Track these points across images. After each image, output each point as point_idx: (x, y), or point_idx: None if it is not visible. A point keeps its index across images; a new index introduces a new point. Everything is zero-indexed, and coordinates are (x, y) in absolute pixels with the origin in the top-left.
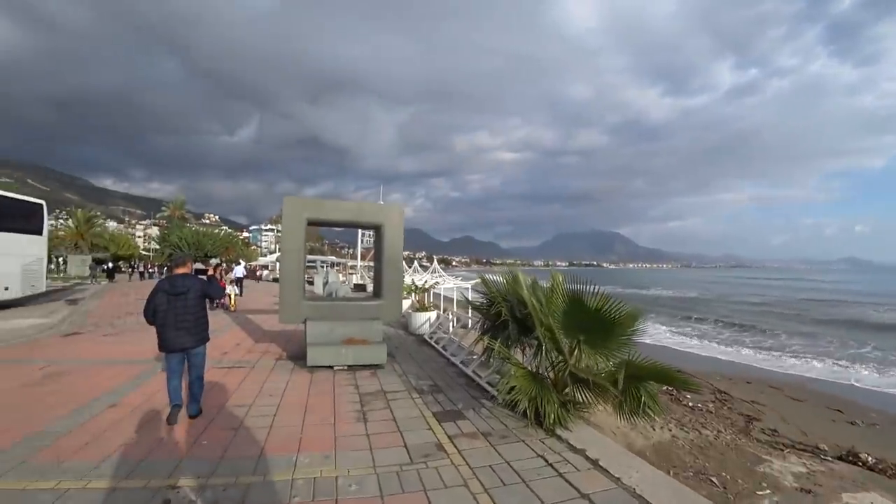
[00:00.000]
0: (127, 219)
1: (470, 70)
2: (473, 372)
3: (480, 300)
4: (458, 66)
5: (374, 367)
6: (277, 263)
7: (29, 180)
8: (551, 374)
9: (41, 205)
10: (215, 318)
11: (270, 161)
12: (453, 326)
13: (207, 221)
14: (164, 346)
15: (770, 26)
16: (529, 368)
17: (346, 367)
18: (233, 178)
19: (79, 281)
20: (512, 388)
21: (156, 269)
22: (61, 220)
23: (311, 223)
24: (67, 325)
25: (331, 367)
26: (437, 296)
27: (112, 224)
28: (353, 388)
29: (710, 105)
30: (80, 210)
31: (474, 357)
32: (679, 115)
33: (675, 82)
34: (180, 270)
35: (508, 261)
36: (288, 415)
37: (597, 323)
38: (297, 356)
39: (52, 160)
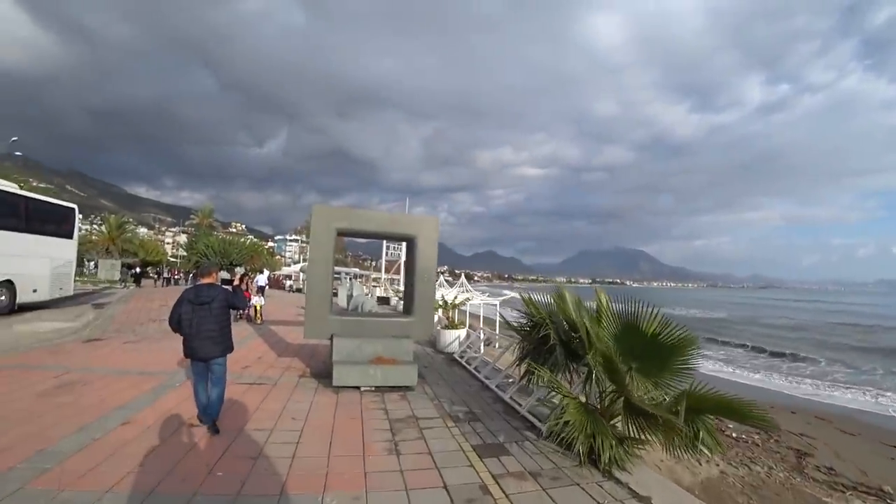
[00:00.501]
0: (157, 225)
1: (495, 85)
2: (511, 398)
3: (520, 320)
4: (483, 81)
5: (404, 389)
6: (301, 273)
7: (68, 186)
8: (597, 404)
9: (73, 209)
10: (237, 329)
11: (297, 173)
12: (483, 346)
13: (234, 230)
14: (188, 354)
15: (803, 41)
16: (579, 398)
17: (373, 388)
18: (260, 188)
19: (108, 285)
20: (565, 423)
21: (181, 275)
22: (95, 226)
23: (341, 233)
24: (90, 330)
25: (357, 387)
26: (461, 311)
27: (143, 230)
28: (383, 412)
29: (739, 122)
30: (112, 216)
31: (510, 381)
32: (706, 132)
33: (702, 98)
34: (206, 280)
35: (530, 276)
36: (312, 442)
37: (652, 349)
38: (322, 374)
39: (89, 168)
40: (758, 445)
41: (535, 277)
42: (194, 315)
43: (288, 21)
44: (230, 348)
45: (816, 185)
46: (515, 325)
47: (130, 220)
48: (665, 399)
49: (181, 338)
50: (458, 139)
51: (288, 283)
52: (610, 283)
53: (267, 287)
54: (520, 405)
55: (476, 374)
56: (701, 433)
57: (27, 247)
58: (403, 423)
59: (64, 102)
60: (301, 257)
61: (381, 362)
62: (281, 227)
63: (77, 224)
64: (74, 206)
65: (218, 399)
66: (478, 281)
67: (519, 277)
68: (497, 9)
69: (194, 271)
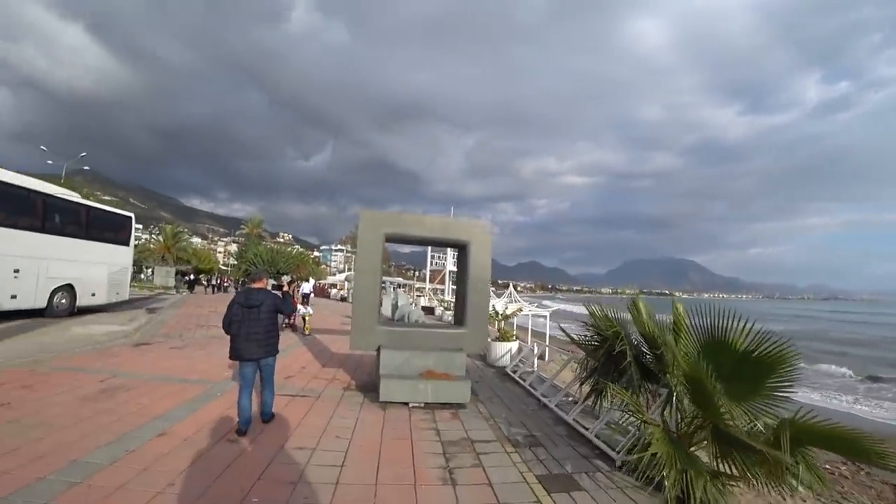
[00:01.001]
0: (210, 235)
1: (538, 94)
2: (575, 421)
3: (584, 334)
4: (525, 90)
5: (456, 406)
6: (347, 282)
7: (131, 199)
8: (677, 432)
9: (130, 217)
10: (282, 338)
11: (341, 184)
12: (536, 360)
13: (281, 240)
14: (235, 354)
15: (862, 34)
16: (663, 426)
17: (422, 405)
18: (306, 200)
19: (162, 290)
20: (651, 455)
21: (231, 283)
22: (153, 236)
23: (389, 239)
24: (140, 334)
25: (406, 403)
26: (509, 323)
27: (196, 240)
28: (434, 432)
29: (796, 122)
30: (168, 226)
31: (570, 400)
32: (760, 134)
33: (755, 99)
34: (256, 285)
35: (574, 287)
36: (358, 466)
37: (744, 369)
38: (367, 387)
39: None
40: (846, 478)
41: (579, 288)
42: (244, 317)
43: (333, 39)
44: (275, 351)
45: (886, 187)
46: (578, 338)
47: (185, 230)
48: (755, 426)
49: (227, 345)
50: (501, 149)
51: (333, 291)
52: (658, 293)
53: (312, 295)
54: (586, 429)
55: (532, 391)
56: (800, 468)
57: (87, 253)
58: (457, 447)
59: (129, 123)
60: (346, 266)
61: (432, 377)
62: (326, 237)
63: (133, 232)
64: (131, 214)
65: (270, 399)
66: (521, 291)
67: (563, 288)
68: (538, 17)
69: (243, 279)
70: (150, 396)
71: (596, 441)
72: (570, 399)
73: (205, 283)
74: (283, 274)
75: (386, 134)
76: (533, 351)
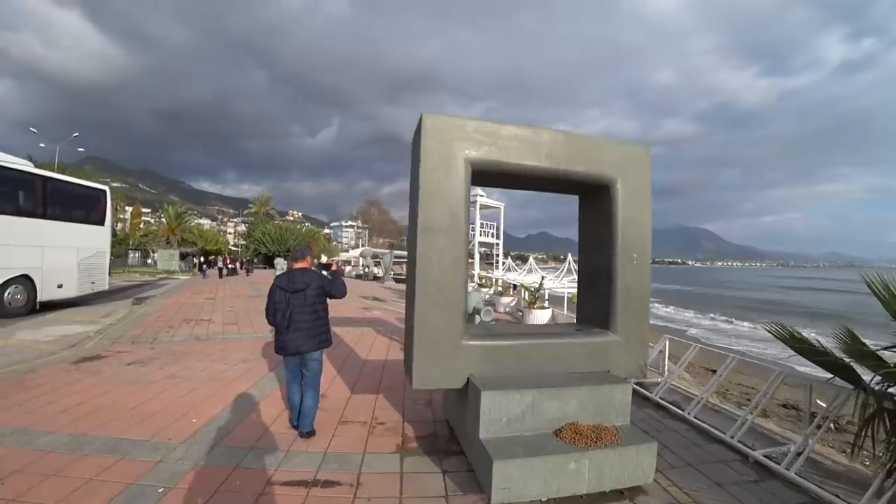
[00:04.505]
0: (220, 217)
1: (545, 61)
2: None
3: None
4: (532, 58)
5: (629, 492)
6: (362, 259)
7: (140, 185)
8: None
9: (104, 191)
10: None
11: (349, 160)
12: (667, 364)
13: (291, 218)
14: (279, 348)
15: None
16: None
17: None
18: (314, 177)
19: (165, 275)
20: None
21: (236, 264)
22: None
23: (477, 174)
24: (100, 339)
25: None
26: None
27: (206, 222)
28: None
29: (815, 84)
30: (171, 206)
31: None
32: (777, 98)
33: (772, 60)
34: (299, 265)
35: None
36: None
37: None
38: (441, 442)
39: (159, 166)
40: None
41: None
42: (287, 304)
43: (334, 12)
44: (327, 342)
45: None
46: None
47: (195, 212)
48: None
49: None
50: (509, 118)
51: (347, 268)
52: (670, 262)
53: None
54: None
55: (709, 428)
56: None
57: (49, 236)
58: None
59: (133, 107)
60: (359, 242)
61: (581, 438)
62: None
63: (110, 209)
64: (106, 188)
65: (313, 405)
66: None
67: (575, 259)
68: None
69: (252, 259)
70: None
71: None
72: (798, 452)
73: (220, 266)
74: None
75: (392, 106)
76: (663, 352)
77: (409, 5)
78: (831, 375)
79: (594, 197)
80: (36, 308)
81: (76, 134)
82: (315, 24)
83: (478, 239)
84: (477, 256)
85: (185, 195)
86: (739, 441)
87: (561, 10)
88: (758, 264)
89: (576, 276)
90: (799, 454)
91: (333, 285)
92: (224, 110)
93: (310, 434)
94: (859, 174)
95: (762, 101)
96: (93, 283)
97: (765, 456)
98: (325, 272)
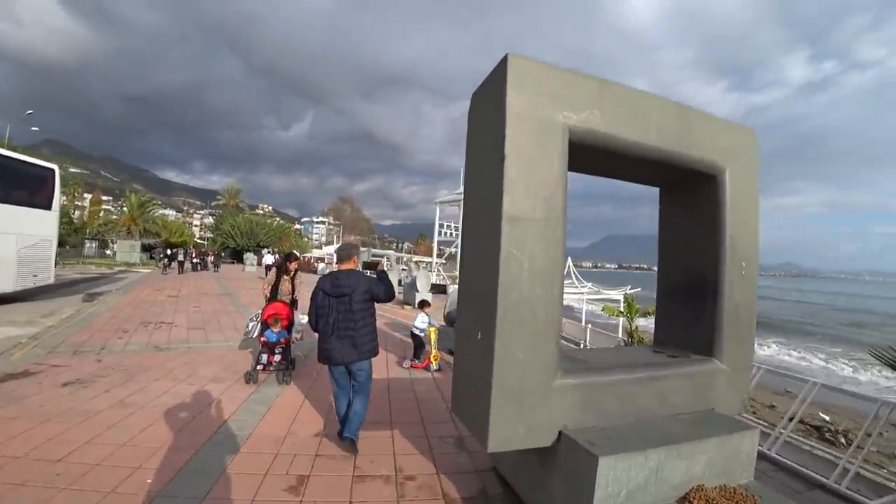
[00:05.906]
0: (186, 208)
1: None
2: None
3: None
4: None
5: None
6: (335, 255)
7: (102, 171)
8: None
9: (52, 170)
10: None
11: (322, 155)
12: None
13: (261, 212)
14: (323, 358)
15: (853, 14)
16: None
17: None
18: (286, 171)
19: (124, 268)
20: None
21: (205, 258)
22: (124, 208)
23: (578, 145)
24: (34, 346)
25: None
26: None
27: (171, 213)
28: None
29: (779, 102)
30: (132, 194)
31: None
32: (743, 113)
33: (741, 77)
34: (345, 266)
35: None
36: None
37: None
38: None
39: (123, 153)
40: None
41: None
42: (331, 309)
43: (315, 3)
44: (374, 351)
45: (859, 169)
46: None
47: (159, 201)
48: None
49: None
50: None
51: (321, 266)
52: (637, 268)
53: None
54: None
55: (821, 480)
56: None
57: None
58: None
59: (98, 90)
60: (335, 238)
61: None
62: (307, 209)
63: (58, 191)
64: (54, 166)
65: (362, 411)
66: None
67: None
68: None
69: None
70: None
71: None
72: None
73: (192, 260)
74: (263, 247)
75: (369, 103)
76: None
77: (390, 2)
78: None
79: (691, 190)
80: None
81: (30, 111)
82: (294, 15)
83: (436, 238)
84: (434, 254)
85: (150, 184)
86: (847, 488)
87: (540, 17)
88: None
89: (587, 285)
90: None
91: (382, 287)
92: (194, 99)
93: (352, 443)
94: (814, 189)
95: (729, 115)
96: (35, 276)
97: None
98: (369, 272)
